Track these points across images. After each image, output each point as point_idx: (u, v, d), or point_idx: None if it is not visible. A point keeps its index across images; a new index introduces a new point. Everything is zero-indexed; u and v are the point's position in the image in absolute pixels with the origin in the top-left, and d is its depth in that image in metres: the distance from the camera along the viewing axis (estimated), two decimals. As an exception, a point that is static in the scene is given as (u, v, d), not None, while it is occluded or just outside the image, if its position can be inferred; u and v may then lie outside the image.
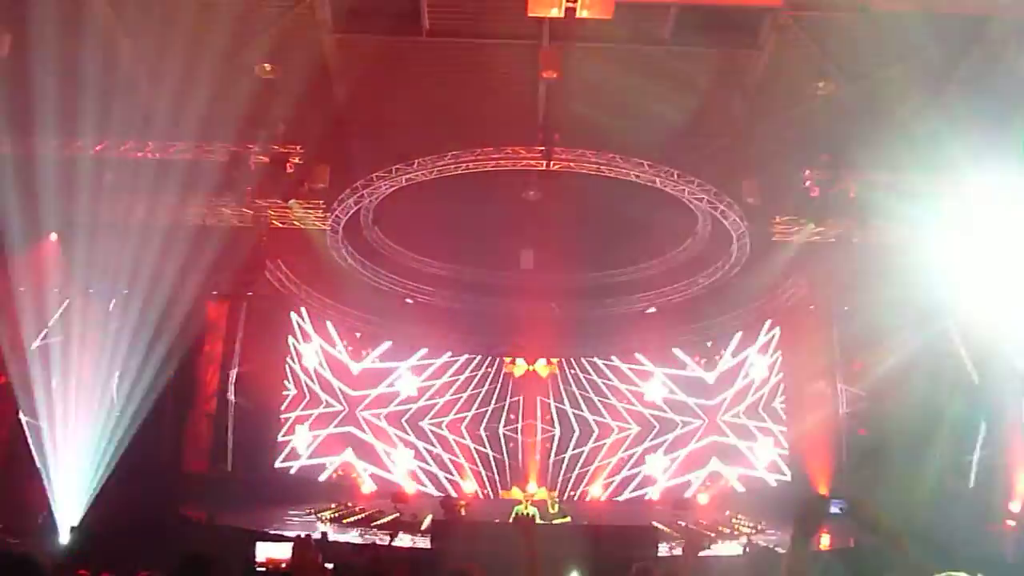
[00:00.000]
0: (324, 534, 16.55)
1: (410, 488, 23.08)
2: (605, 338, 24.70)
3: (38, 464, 18.10)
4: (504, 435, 25.00)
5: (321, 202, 17.99)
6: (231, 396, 20.63)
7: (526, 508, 17.11)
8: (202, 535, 14.96)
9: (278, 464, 21.67)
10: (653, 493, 24.22)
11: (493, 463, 24.84)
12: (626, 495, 24.49)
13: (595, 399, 25.51)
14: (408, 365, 25.08)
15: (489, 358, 25.55)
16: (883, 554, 3.12)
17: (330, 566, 7.38)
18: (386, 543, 11.93)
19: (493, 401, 25.36)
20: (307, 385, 23.07)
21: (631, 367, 25.48)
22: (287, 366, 22.23)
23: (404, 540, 17.19)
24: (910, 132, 16.69)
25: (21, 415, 17.86)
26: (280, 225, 18.37)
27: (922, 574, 3.03)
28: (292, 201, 17.31)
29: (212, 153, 16.08)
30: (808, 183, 16.25)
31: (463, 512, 18.17)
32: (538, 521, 16.89)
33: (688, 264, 22.28)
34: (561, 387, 25.59)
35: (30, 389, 18.60)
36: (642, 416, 25.20)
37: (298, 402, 22.66)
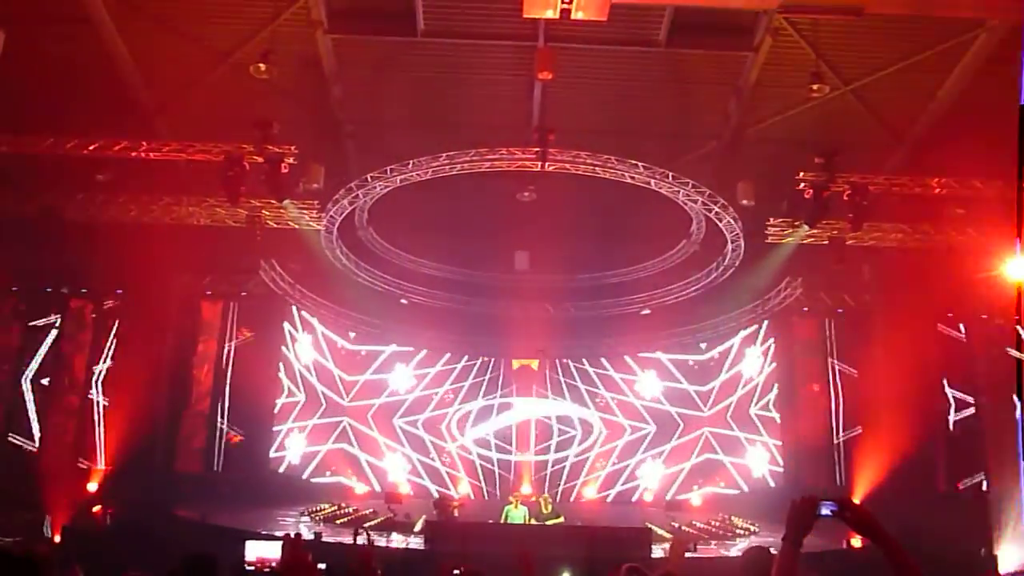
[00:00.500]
0: (317, 534, 16.55)
1: (403, 489, 23.06)
2: (599, 339, 24.69)
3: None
4: (498, 436, 24.97)
5: (316, 202, 17.97)
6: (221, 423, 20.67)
7: (516, 507, 17.09)
8: (194, 535, 14.93)
9: (271, 465, 21.62)
10: (646, 494, 24.22)
11: (487, 464, 24.82)
12: (620, 496, 24.49)
13: (589, 400, 25.50)
14: (402, 366, 25.05)
15: (483, 359, 25.53)
16: (875, 556, 3.13)
17: (322, 566, 7.38)
18: (368, 543, 11.92)
19: (487, 402, 25.33)
20: (301, 385, 23.03)
21: (625, 368, 25.48)
22: (280, 366, 22.19)
23: (397, 540, 17.20)
24: (904, 134, 16.78)
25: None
26: (274, 225, 18.34)
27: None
28: (286, 201, 17.28)
29: (206, 153, 16.04)
30: (802, 185, 16.27)
31: (456, 513, 18.16)
32: (531, 522, 16.89)
33: (682, 266, 22.29)
34: (555, 388, 25.57)
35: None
36: (636, 417, 25.18)
37: (292, 403, 22.62)
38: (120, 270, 18.77)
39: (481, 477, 24.67)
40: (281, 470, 21.92)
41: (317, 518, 19.26)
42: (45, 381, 19.61)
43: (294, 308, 22.67)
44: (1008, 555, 16.12)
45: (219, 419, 20.81)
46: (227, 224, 18.16)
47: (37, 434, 19.19)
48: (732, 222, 18.83)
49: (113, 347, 19.96)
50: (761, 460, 22.58)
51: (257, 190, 16.66)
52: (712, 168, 18.16)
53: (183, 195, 17.71)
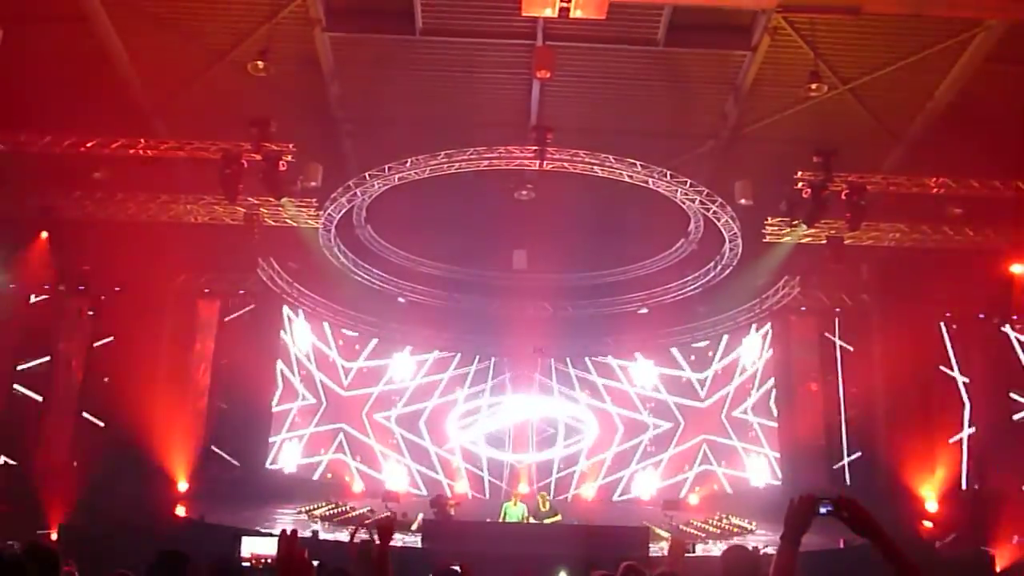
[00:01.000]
0: (314, 532, 16.55)
1: (401, 487, 23.06)
2: (597, 338, 24.71)
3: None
4: (496, 435, 24.98)
5: (314, 200, 17.96)
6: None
7: (515, 505, 17.09)
8: (192, 534, 14.92)
9: (268, 463, 21.62)
10: (644, 493, 24.23)
11: (484, 463, 24.82)
12: (617, 495, 24.50)
13: (586, 399, 25.52)
14: (400, 364, 25.05)
15: (481, 357, 25.53)
16: (872, 555, 3.13)
17: (316, 563, 7.39)
18: (371, 540, 11.89)
19: (485, 401, 25.34)
20: (298, 384, 23.04)
21: (622, 368, 25.50)
22: (278, 364, 22.18)
23: (394, 539, 17.18)
24: (902, 133, 16.79)
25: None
26: (272, 223, 18.33)
27: (909, 574, 3.03)
28: (284, 199, 17.26)
29: (204, 151, 16.03)
30: (800, 184, 16.28)
31: (453, 512, 18.16)
32: (529, 520, 16.89)
33: (680, 265, 22.30)
34: (553, 387, 25.59)
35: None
36: (634, 416, 25.22)
37: (289, 400, 22.63)
38: (117, 268, 18.75)
39: (478, 476, 24.68)
40: (277, 466, 21.90)
41: (314, 516, 19.26)
42: (42, 379, 19.58)
43: (293, 307, 22.67)
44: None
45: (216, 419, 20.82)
46: (225, 222, 18.15)
47: (34, 432, 19.15)
48: (730, 221, 18.83)
49: (110, 345, 19.94)
50: (759, 459, 22.60)
51: (255, 188, 16.64)
52: (710, 167, 18.17)
53: (180, 193, 17.70)
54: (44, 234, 17.71)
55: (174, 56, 15.21)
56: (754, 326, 23.20)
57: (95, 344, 19.98)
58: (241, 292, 21.34)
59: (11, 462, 18.44)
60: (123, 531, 14.10)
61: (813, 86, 14.55)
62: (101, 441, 18.97)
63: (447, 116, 17.33)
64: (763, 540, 16.78)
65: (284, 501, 19.83)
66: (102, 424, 19.32)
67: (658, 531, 17.93)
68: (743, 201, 17.40)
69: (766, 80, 15.90)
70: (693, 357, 24.79)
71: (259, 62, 14.07)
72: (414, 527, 17.85)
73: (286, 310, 22.58)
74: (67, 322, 20.10)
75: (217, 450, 20.79)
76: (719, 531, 19.35)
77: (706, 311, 23.36)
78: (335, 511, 19.88)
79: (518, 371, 25.54)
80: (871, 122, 16.53)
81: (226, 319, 21.62)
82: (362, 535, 11.81)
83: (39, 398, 19.29)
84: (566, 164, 17.32)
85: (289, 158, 15.89)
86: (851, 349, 21.52)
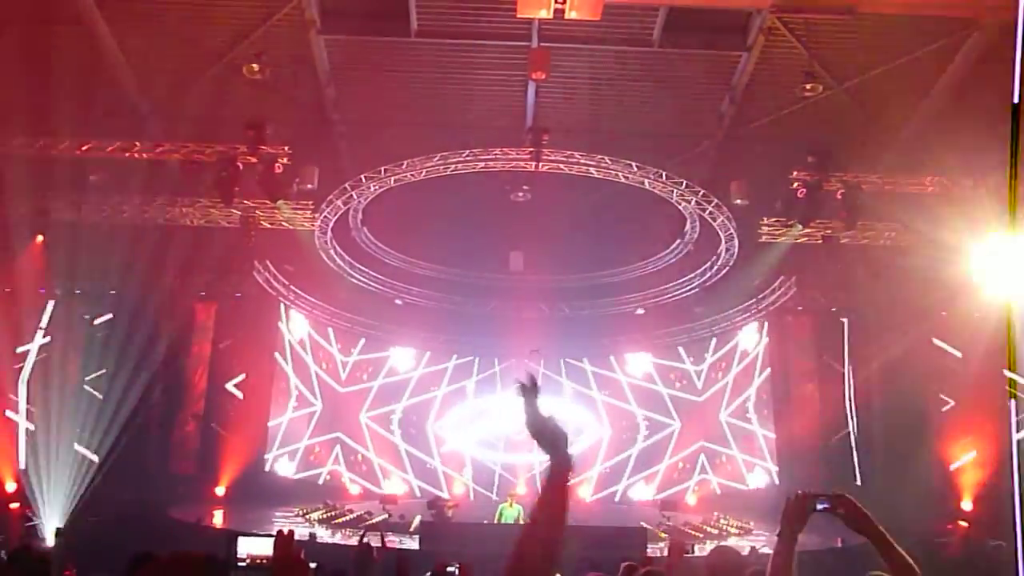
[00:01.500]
0: (312, 535, 16.53)
1: (399, 489, 23.06)
2: (594, 339, 24.73)
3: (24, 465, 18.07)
4: (492, 436, 24.98)
5: (310, 203, 17.97)
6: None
7: (511, 506, 17.09)
8: (189, 536, 14.90)
9: (266, 466, 21.59)
10: (642, 494, 24.25)
11: (481, 464, 24.83)
12: (615, 496, 24.52)
13: (583, 400, 25.54)
14: (397, 366, 25.05)
15: (478, 359, 25.55)
16: (869, 552, 3.14)
17: (313, 565, 7.40)
18: (382, 544, 11.90)
19: (482, 402, 25.36)
20: (295, 386, 23.03)
21: (619, 368, 25.53)
22: (275, 367, 22.16)
23: (392, 541, 17.17)
24: (897, 133, 16.81)
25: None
26: (268, 226, 18.34)
27: (907, 572, 3.05)
28: (280, 202, 17.27)
29: (200, 153, 16.03)
30: (796, 184, 16.30)
31: (451, 513, 18.16)
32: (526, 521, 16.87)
33: (676, 265, 22.32)
34: (549, 388, 25.60)
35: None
36: (630, 416, 25.25)
37: (286, 403, 22.61)
38: (113, 271, 18.73)
39: (475, 477, 24.68)
40: (275, 469, 21.88)
41: (311, 519, 19.23)
42: (39, 383, 19.53)
43: (289, 310, 22.66)
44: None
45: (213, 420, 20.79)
46: (221, 225, 18.15)
47: (32, 434, 19.10)
48: (726, 222, 18.86)
49: (107, 349, 19.90)
50: (756, 459, 22.62)
51: (251, 191, 16.65)
52: (706, 168, 18.18)
53: (176, 196, 17.69)
54: (40, 237, 17.68)
55: (170, 59, 15.20)
56: (750, 326, 23.21)
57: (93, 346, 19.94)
58: (238, 295, 21.32)
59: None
60: (118, 535, 14.08)
61: (808, 86, 14.58)
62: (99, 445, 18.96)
63: (443, 118, 17.34)
64: (760, 540, 16.78)
65: (282, 504, 19.81)
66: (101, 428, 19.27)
67: (656, 531, 17.93)
68: (739, 201, 17.43)
69: (761, 80, 15.91)
70: (691, 357, 24.81)
71: (255, 65, 14.07)
72: (412, 529, 17.84)
73: (283, 312, 22.56)
74: (64, 325, 20.06)
75: (215, 450, 20.75)
76: (717, 531, 19.35)
77: (703, 312, 23.38)
78: (333, 514, 19.85)
79: (515, 373, 25.53)
80: (866, 122, 16.56)
81: (223, 322, 21.57)
82: (371, 539, 11.81)
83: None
84: (562, 165, 17.34)
85: (285, 160, 15.92)
86: (848, 349, 21.51)
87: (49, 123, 15.27)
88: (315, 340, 23.72)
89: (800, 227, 17.55)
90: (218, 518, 16.51)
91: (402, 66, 16.03)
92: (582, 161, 17.32)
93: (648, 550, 15.08)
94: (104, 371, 19.15)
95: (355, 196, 18.74)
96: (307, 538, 15.55)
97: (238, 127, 15.49)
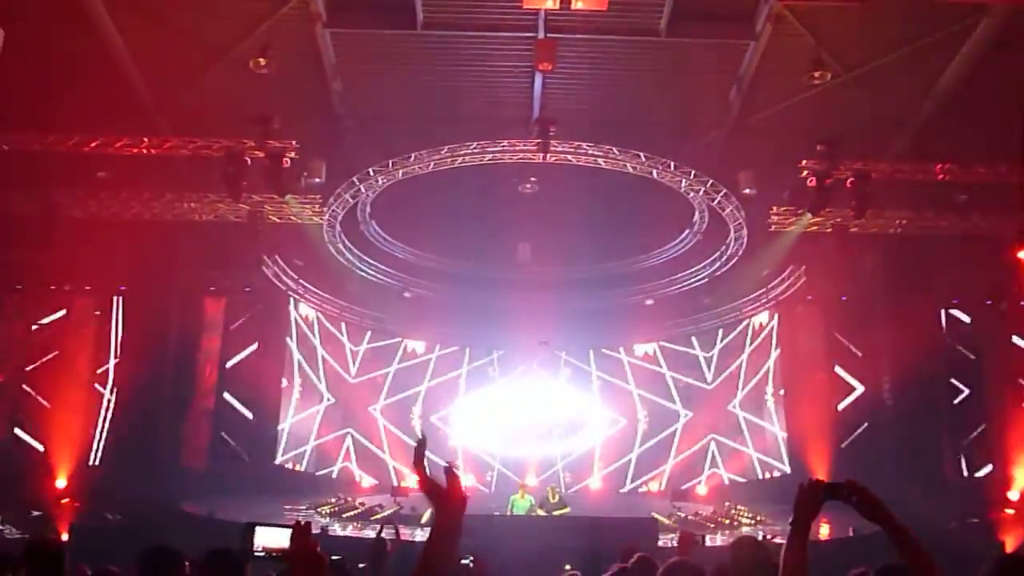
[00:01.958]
0: (324, 528, 16.58)
1: (410, 482, 23.08)
2: (603, 331, 24.68)
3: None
4: (503, 428, 24.98)
5: (317, 197, 17.99)
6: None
7: (522, 497, 17.09)
8: (202, 530, 14.94)
9: (278, 459, 21.65)
10: (652, 484, 24.24)
11: (491, 456, 24.84)
12: (626, 486, 24.51)
13: (592, 392, 25.54)
14: (406, 358, 25.08)
15: (487, 351, 25.56)
16: (882, 542, 3.12)
17: (336, 558, 7.44)
18: (396, 536, 11.94)
19: (491, 394, 25.38)
20: (305, 380, 23.07)
21: (629, 359, 25.50)
22: (284, 361, 22.20)
23: (404, 533, 17.20)
24: (907, 120, 16.72)
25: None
26: (276, 220, 18.35)
27: (922, 561, 3.02)
28: (288, 196, 17.27)
29: (207, 148, 16.04)
30: (805, 173, 16.22)
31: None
32: (537, 511, 16.89)
33: (685, 256, 22.27)
34: (559, 380, 25.60)
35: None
36: (640, 407, 25.23)
37: (296, 397, 22.65)
38: (123, 267, 18.79)
39: (485, 469, 24.70)
40: (286, 462, 21.94)
41: (324, 512, 19.29)
42: (50, 379, 19.65)
43: (298, 303, 22.70)
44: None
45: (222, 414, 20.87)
46: (229, 220, 18.16)
47: (43, 432, 19.21)
48: (735, 211, 18.80)
49: (117, 344, 20.01)
50: (766, 449, 22.58)
51: (258, 185, 16.66)
52: (714, 157, 18.11)
53: (184, 191, 17.71)
54: (49, 233, 17.71)
55: (176, 54, 15.18)
56: (760, 316, 23.15)
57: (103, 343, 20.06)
58: (247, 289, 21.35)
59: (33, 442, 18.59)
60: (132, 529, 14.16)
61: (816, 74, 14.50)
62: (110, 438, 19.06)
63: (450, 110, 17.31)
64: (772, 530, 16.76)
65: (293, 497, 19.85)
66: (113, 422, 19.37)
67: (666, 522, 17.94)
68: (747, 191, 17.38)
69: (769, 69, 15.83)
70: (700, 348, 24.75)
71: (261, 59, 14.07)
72: (423, 521, 17.86)
73: (292, 306, 22.59)
74: (74, 321, 20.18)
75: (226, 444, 20.83)
76: (728, 521, 19.34)
77: (711, 302, 23.32)
78: (344, 507, 19.90)
79: (524, 365, 25.55)
80: (875, 109, 16.45)
81: (232, 317, 21.62)
82: (388, 532, 11.85)
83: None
84: (569, 156, 17.31)
85: (292, 155, 15.91)
86: (858, 336, 21.45)
87: (57, 120, 15.30)
88: (324, 334, 23.75)
89: (809, 216, 17.47)
90: (230, 512, 16.53)
91: (409, 59, 16.00)
92: (590, 152, 17.28)
93: (659, 541, 15.10)
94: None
95: (363, 189, 18.74)
96: (319, 531, 15.59)
97: (245, 121, 15.47)
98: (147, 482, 17.12)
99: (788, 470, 21.50)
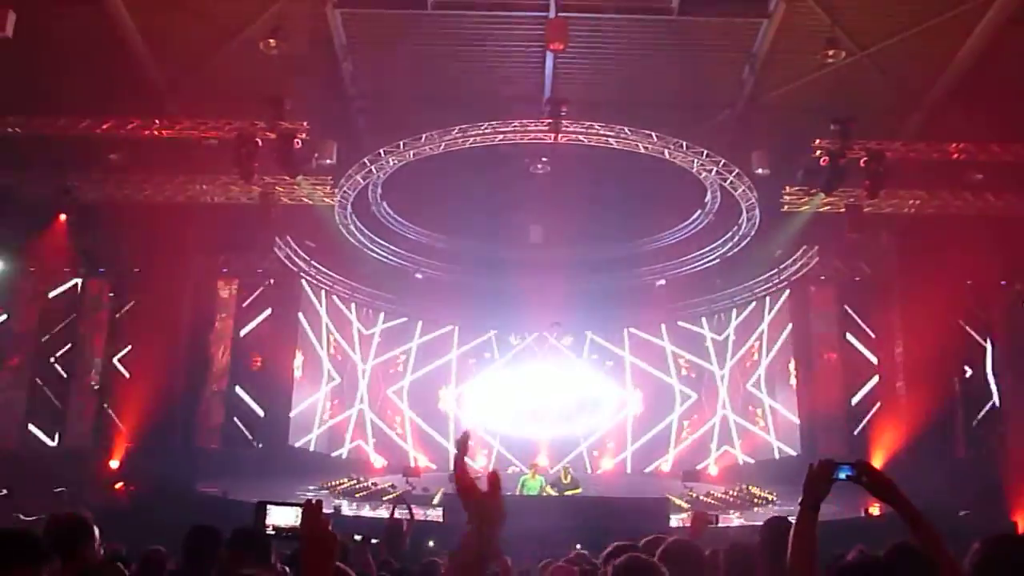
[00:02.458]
0: (336, 508, 16.69)
1: (422, 462, 23.20)
2: (615, 311, 24.65)
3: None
4: (515, 408, 25.04)
5: (329, 178, 17.97)
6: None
7: (533, 478, 17.16)
8: (217, 510, 15.07)
9: (290, 440, 21.76)
10: (664, 464, 24.28)
11: (504, 436, 24.91)
12: (637, 466, 24.55)
13: (605, 372, 25.55)
14: (418, 339, 25.14)
15: (499, 332, 25.60)
16: (896, 522, 3.11)
17: (358, 537, 7.50)
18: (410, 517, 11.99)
19: (503, 374, 25.43)
20: (317, 361, 23.15)
21: (640, 340, 25.49)
22: (297, 342, 22.27)
23: (416, 513, 17.29)
24: (921, 99, 16.57)
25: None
26: (288, 202, 18.36)
27: (934, 543, 3.02)
28: (300, 177, 17.27)
29: (218, 130, 16.04)
30: (818, 152, 16.11)
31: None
32: (548, 491, 16.95)
33: (697, 236, 22.19)
34: (571, 360, 25.63)
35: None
36: (653, 388, 25.23)
37: (309, 378, 22.73)
38: (136, 250, 18.87)
39: (497, 450, 24.78)
40: (299, 443, 22.06)
41: (337, 492, 19.40)
42: (64, 362, 19.81)
43: (310, 285, 22.74)
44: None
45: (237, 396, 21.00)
46: (241, 202, 18.19)
47: (58, 414, 19.40)
48: (747, 191, 18.70)
49: (131, 327, 20.11)
50: (779, 430, 22.55)
51: (270, 167, 16.66)
52: (726, 137, 18.00)
53: (196, 173, 17.73)
54: (63, 216, 17.81)
55: (187, 36, 15.20)
56: (773, 296, 23.07)
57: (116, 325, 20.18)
58: (259, 271, 21.41)
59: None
60: (147, 510, 14.28)
61: (830, 52, 14.39)
62: (125, 422, 19.20)
63: (461, 90, 17.25)
64: (785, 510, 16.77)
65: (306, 477, 19.97)
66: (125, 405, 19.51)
67: (679, 502, 17.97)
68: (760, 171, 17.27)
69: (782, 47, 15.70)
70: (712, 329, 24.71)
71: (271, 40, 14.04)
72: (435, 501, 17.96)
73: (305, 287, 22.63)
74: (88, 304, 20.29)
75: (239, 425, 20.95)
76: (740, 501, 19.37)
77: (724, 282, 23.25)
78: (357, 487, 20.02)
79: (536, 345, 25.58)
80: (889, 88, 16.32)
81: (245, 299, 21.69)
82: (401, 512, 11.90)
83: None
84: (581, 137, 17.23)
85: (303, 136, 15.89)
86: (871, 317, 21.38)
87: (69, 102, 15.33)
88: (336, 315, 23.81)
89: (823, 196, 17.36)
90: (243, 492, 16.65)
91: (419, 39, 15.94)
92: (601, 132, 17.20)
93: (671, 521, 15.14)
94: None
95: (374, 170, 18.72)
96: (332, 511, 15.69)
97: (256, 103, 15.46)
98: (161, 463, 17.24)
99: (800, 450, 21.49)
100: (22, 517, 12.73)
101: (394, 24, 15.78)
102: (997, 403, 19.40)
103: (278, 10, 14.48)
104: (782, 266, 22.02)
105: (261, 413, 21.19)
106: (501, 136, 17.23)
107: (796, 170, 17.21)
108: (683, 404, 24.81)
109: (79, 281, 20.35)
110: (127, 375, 19.62)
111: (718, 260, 22.16)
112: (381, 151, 17.95)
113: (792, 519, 3.31)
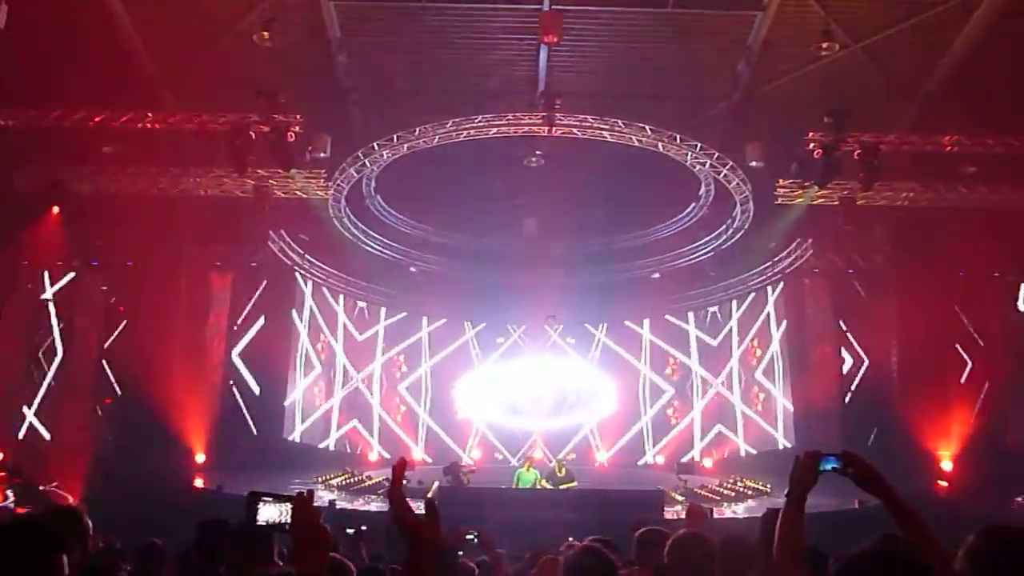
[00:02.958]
0: (331, 501, 16.68)
1: (416, 455, 23.20)
2: (609, 305, 24.66)
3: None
4: (509, 402, 25.06)
5: (323, 171, 17.94)
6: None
7: (528, 471, 17.15)
8: (211, 504, 15.06)
9: (285, 433, 21.75)
10: (659, 457, 24.32)
11: (498, 430, 24.94)
12: (631, 459, 24.59)
13: (599, 365, 25.57)
14: (412, 333, 25.13)
15: (493, 326, 25.60)
16: (881, 514, 3.12)
17: (351, 531, 7.52)
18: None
19: (498, 368, 25.44)
20: (312, 355, 23.13)
21: (635, 333, 25.51)
22: (291, 336, 22.25)
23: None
24: (915, 91, 16.57)
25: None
26: (282, 195, 18.32)
27: (920, 533, 3.03)
28: (293, 171, 17.24)
29: (212, 123, 16.00)
30: (812, 145, 16.11)
31: (467, 480, 18.23)
32: (543, 484, 16.95)
33: (692, 229, 22.19)
34: (566, 354, 25.65)
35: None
36: (647, 381, 25.26)
37: (303, 372, 22.72)
38: (130, 243, 18.80)
39: (491, 443, 24.80)
40: (294, 436, 22.05)
41: (331, 486, 19.40)
42: (57, 355, 19.75)
43: (304, 278, 22.71)
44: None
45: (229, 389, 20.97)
46: (235, 195, 18.14)
47: (50, 407, 19.34)
48: (741, 184, 18.70)
49: (124, 320, 20.06)
50: (771, 422, 22.60)
51: (264, 160, 16.62)
52: (721, 130, 18.01)
53: (190, 166, 17.68)
54: (55, 209, 17.73)
55: (180, 28, 15.11)
56: (766, 289, 23.09)
57: (110, 319, 20.13)
58: (253, 264, 21.36)
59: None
60: (142, 504, 14.26)
61: (824, 45, 14.40)
62: (119, 414, 19.17)
63: (455, 83, 17.23)
64: (779, 503, 16.80)
65: (301, 471, 19.95)
66: (119, 397, 19.48)
67: (673, 495, 17.99)
68: (754, 163, 17.27)
69: (777, 40, 15.70)
70: (706, 321, 24.75)
71: (265, 33, 14.00)
72: (429, 495, 17.97)
73: (299, 281, 22.60)
74: (82, 297, 20.22)
75: (233, 419, 20.90)
76: (734, 494, 19.40)
77: (718, 275, 23.26)
78: (352, 480, 20.02)
79: (531, 339, 25.59)
80: (883, 81, 16.33)
81: (240, 292, 21.63)
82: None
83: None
84: (575, 130, 17.21)
85: (297, 129, 15.85)
86: (865, 309, 21.40)
87: (62, 94, 15.27)
88: (330, 308, 23.79)
89: (817, 188, 17.37)
90: (237, 486, 16.64)
91: (414, 32, 15.90)
92: (595, 125, 17.18)
93: (664, 513, 15.16)
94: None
95: (368, 164, 18.68)
96: (326, 504, 15.69)
97: (250, 96, 15.41)
98: (155, 457, 17.22)
99: (793, 442, 21.53)
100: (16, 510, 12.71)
101: (388, 17, 15.75)
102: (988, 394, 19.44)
103: (272, 3, 14.44)
104: (776, 258, 22.02)
105: (256, 406, 21.15)
106: (495, 129, 17.20)
107: (790, 163, 17.22)
108: (676, 396, 24.86)
109: (72, 274, 20.26)
110: (120, 368, 19.56)
111: (712, 253, 22.16)
112: (375, 144, 17.91)
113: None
